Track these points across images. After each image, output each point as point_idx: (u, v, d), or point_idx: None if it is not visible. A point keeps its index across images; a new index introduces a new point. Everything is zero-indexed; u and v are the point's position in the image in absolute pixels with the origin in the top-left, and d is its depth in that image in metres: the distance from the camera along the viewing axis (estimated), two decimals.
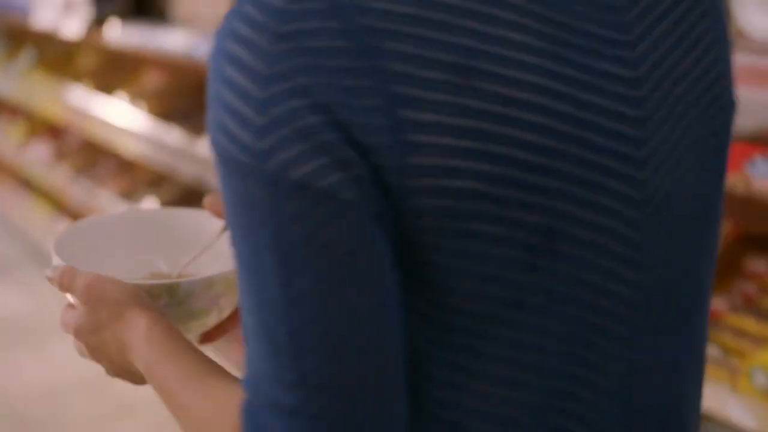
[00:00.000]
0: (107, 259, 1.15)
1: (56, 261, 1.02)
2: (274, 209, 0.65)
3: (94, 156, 4.68)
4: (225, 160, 0.67)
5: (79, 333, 0.94)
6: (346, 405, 0.67)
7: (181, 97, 3.90)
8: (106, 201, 4.07)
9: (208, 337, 1.09)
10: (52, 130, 5.19)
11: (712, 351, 1.94)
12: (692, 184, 0.81)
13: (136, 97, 3.86)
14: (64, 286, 0.96)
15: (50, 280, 0.99)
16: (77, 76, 4.49)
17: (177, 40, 3.22)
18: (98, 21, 3.58)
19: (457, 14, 0.66)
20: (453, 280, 0.70)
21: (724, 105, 0.84)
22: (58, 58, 4.79)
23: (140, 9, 3.95)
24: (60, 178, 4.52)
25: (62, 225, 4.61)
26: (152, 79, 4.20)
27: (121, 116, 3.67)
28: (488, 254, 0.69)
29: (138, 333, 0.89)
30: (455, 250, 0.69)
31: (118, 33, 3.54)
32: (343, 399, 0.67)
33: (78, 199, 4.32)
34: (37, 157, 4.84)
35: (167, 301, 0.98)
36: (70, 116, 4.18)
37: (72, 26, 3.45)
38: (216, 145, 0.68)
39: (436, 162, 0.66)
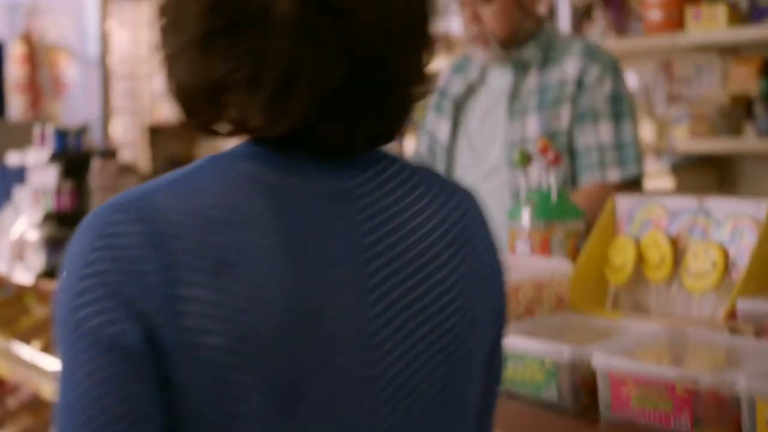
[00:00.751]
0: None
1: None
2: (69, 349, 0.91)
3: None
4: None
5: None
6: None
7: None
8: None
9: None
10: None
11: None
12: (426, 371, 1.00)
13: None
14: None
15: None
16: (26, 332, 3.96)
17: None
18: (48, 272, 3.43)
19: (218, 225, 0.92)
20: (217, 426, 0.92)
21: (463, 319, 1.03)
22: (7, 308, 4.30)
23: None
24: None
25: None
26: None
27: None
28: (239, 403, 0.91)
29: None
30: (208, 403, 0.92)
31: None
32: None
33: None
34: None
35: None
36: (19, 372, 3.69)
37: (22, 275, 3.37)
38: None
39: (196, 324, 0.90)
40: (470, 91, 2.80)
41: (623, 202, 1.94)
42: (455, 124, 2.79)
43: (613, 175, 2.57)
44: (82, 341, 0.90)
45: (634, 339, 1.59)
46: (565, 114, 2.62)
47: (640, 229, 1.90)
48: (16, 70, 7.60)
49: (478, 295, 1.05)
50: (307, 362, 0.94)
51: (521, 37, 2.67)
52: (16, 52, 7.63)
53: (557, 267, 1.77)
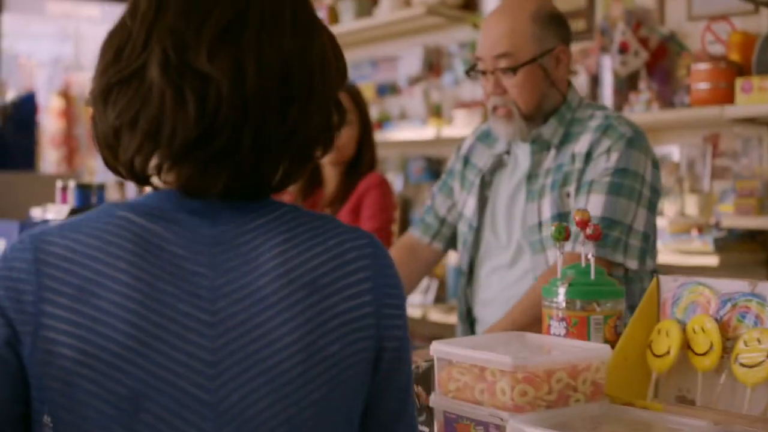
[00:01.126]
0: None
1: None
2: None
3: None
4: None
5: None
6: None
7: None
8: None
9: None
10: None
11: None
12: (266, 403, 1.16)
13: None
14: None
15: None
16: None
17: None
18: None
19: (85, 259, 1.15)
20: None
21: (309, 359, 1.17)
22: None
23: None
24: None
25: None
26: None
27: None
28: (89, 407, 1.13)
29: None
30: (63, 403, 1.14)
31: None
32: None
33: None
34: None
35: None
36: None
37: None
38: None
39: (53, 336, 1.13)
40: (498, 165, 2.65)
41: (667, 283, 1.80)
42: (482, 203, 2.64)
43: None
44: None
45: None
46: (573, 192, 2.43)
47: (686, 313, 1.75)
48: (52, 124, 7.59)
49: (337, 337, 1.19)
50: (149, 380, 1.13)
51: (545, 110, 2.51)
52: (53, 106, 7.63)
53: (595, 351, 1.62)
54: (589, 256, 1.80)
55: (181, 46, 1.16)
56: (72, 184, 3.26)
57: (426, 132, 5.07)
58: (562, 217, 2.40)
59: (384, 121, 5.38)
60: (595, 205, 2.33)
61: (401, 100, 5.64)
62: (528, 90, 2.47)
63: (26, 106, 4.63)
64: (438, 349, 1.63)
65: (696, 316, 1.71)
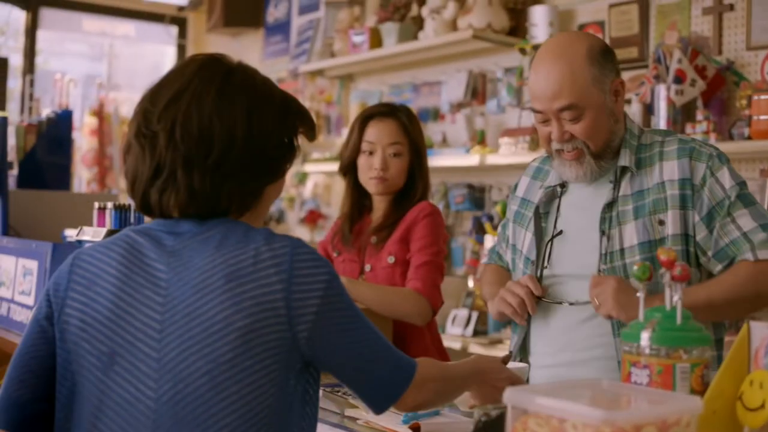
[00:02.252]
0: None
1: None
2: None
3: None
4: None
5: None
6: None
7: None
8: None
9: None
10: None
11: None
12: (193, 368, 1.67)
13: None
14: None
15: None
16: None
17: None
18: None
19: (94, 263, 1.79)
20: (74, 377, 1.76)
21: (230, 334, 1.67)
22: None
23: None
24: None
25: None
26: None
27: None
28: (84, 359, 1.74)
29: None
30: (71, 356, 1.76)
31: None
32: None
33: None
34: None
35: None
36: None
37: None
38: None
39: (69, 312, 1.76)
40: (552, 197, 2.57)
41: (760, 330, 1.65)
42: (539, 236, 2.55)
43: (765, 254, 2.32)
44: None
45: None
46: (670, 220, 2.36)
47: None
48: (85, 143, 7.52)
49: (248, 314, 1.67)
50: (121, 343, 1.71)
51: (614, 146, 2.45)
52: (86, 124, 7.55)
53: (685, 404, 1.48)
54: (675, 298, 1.66)
55: (147, 120, 1.79)
56: (110, 205, 3.15)
57: (469, 159, 4.94)
58: (652, 244, 2.36)
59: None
60: (744, 221, 2.36)
61: (443, 126, 5.52)
62: (597, 131, 2.42)
63: (62, 124, 4.52)
64: (513, 397, 1.50)
65: None
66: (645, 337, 1.65)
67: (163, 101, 1.76)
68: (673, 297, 1.67)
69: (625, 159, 2.45)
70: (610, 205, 2.44)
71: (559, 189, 2.56)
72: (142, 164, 1.77)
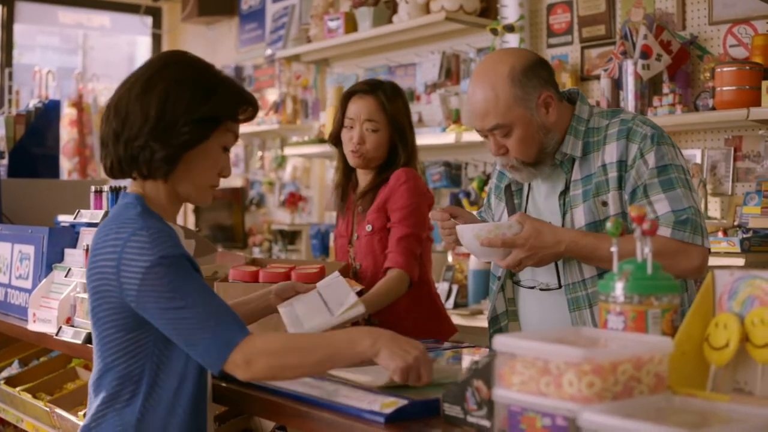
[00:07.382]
0: None
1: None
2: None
3: None
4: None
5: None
6: None
7: None
8: None
9: None
10: None
11: None
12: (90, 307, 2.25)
13: None
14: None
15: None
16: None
17: None
18: None
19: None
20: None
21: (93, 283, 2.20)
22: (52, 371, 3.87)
23: None
24: None
25: None
26: None
27: None
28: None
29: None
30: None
31: None
32: None
33: None
34: None
35: None
36: None
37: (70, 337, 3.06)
38: None
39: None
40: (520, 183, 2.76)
41: (723, 278, 1.81)
42: (511, 212, 2.73)
43: (665, 232, 2.44)
44: None
45: (753, 426, 1.45)
46: (611, 200, 2.53)
47: (744, 306, 1.76)
48: (65, 134, 7.59)
49: (95, 279, 2.15)
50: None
51: (549, 151, 2.59)
52: (65, 115, 7.62)
53: (657, 344, 1.63)
54: (646, 251, 1.82)
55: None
56: (106, 188, 3.27)
57: (445, 138, 5.08)
58: (597, 225, 2.52)
59: None
60: (661, 206, 2.47)
61: (419, 106, 5.65)
62: (527, 145, 2.55)
63: (50, 114, 4.62)
64: (502, 342, 1.64)
65: (755, 309, 1.72)
66: (619, 286, 1.80)
67: (119, 88, 2.22)
68: (644, 249, 1.83)
69: (568, 146, 2.58)
70: (563, 192, 2.60)
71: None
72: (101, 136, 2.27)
